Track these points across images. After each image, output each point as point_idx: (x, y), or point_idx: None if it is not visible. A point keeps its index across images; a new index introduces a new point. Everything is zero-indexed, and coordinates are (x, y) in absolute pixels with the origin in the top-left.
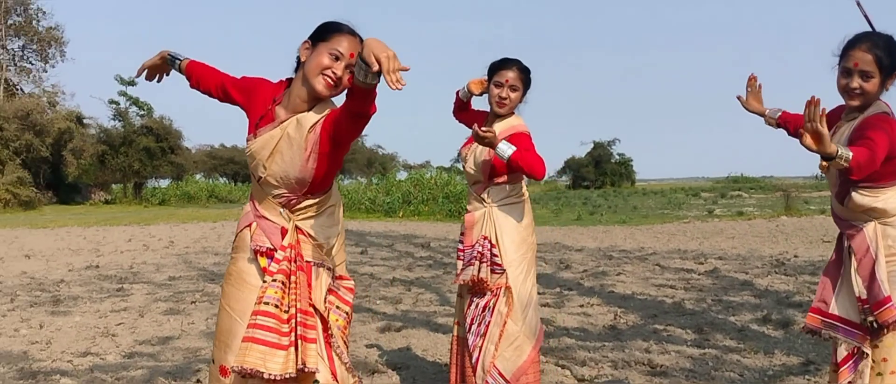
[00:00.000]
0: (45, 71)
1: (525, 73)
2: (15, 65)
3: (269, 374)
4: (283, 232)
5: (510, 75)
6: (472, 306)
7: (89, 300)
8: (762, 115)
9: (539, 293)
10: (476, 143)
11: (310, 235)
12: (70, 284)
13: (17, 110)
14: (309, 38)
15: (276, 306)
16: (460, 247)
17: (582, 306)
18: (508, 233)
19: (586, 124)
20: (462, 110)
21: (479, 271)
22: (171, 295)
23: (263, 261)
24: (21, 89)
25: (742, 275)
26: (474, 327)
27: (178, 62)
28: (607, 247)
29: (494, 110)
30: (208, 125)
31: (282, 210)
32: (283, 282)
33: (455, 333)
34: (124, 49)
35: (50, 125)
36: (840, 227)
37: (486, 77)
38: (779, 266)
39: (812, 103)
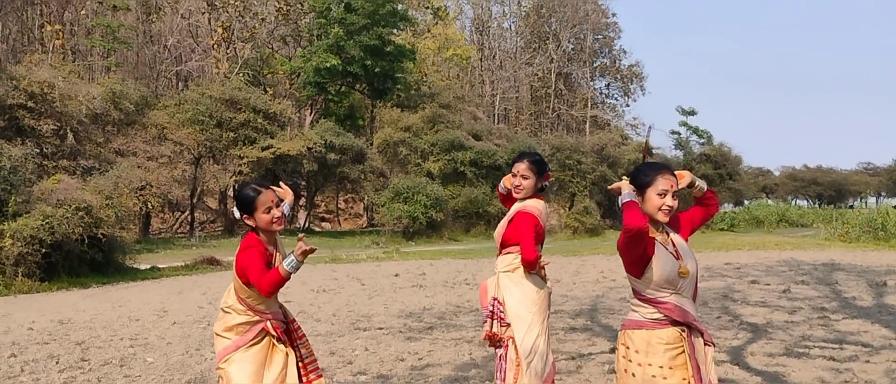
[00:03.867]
0: (627, 106)
1: (536, 164)
2: (602, 102)
3: None
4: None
5: (521, 167)
6: (496, 356)
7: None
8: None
9: None
10: (505, 221)
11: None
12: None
13: (593, 144)
14: (242, 213)
15: None
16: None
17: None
18: (512, 293)
19: None
20: (506, 199)
21: (491, 327)
22: None
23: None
24: (609, 124)
25: None
26: (498, 373)
27: None
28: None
29: (514, 195)
30: (785, 145)
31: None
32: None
33: None
34: (688, 81)
35: (621, 157)
36: None
37: None
38: None
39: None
